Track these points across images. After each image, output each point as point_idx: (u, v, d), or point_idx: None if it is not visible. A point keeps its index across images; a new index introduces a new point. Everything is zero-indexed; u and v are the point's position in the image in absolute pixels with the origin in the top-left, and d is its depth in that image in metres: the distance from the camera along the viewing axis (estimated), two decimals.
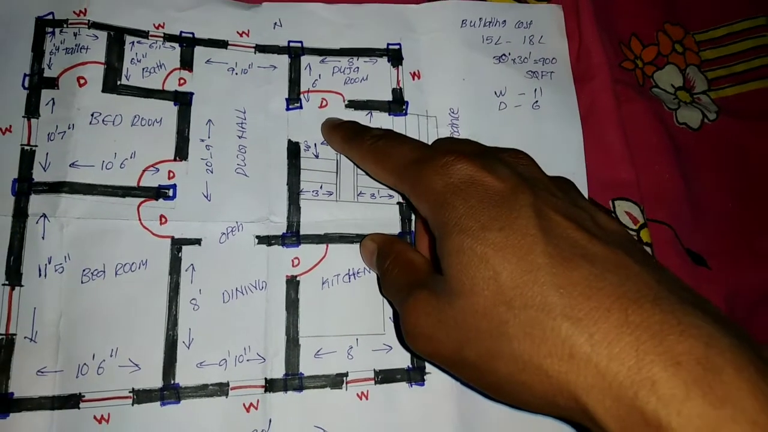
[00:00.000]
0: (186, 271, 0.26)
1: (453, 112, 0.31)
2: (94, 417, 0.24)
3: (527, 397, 0.18)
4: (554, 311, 0.17)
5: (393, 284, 0.24)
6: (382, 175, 0.25)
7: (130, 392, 0.24)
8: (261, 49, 0.30)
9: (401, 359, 0.27)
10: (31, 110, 0.26)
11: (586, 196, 0.31)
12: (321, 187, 0.29)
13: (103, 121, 0.27)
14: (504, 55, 0.33)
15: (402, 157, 0.24)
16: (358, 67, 0.31)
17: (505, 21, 0.33)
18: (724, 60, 0.39)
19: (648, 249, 0.31)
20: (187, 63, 0.29)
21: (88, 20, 0.28)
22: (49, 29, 0.27)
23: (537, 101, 0.32)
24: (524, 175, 0.21)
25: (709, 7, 0.40)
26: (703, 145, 0.36)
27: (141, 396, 0.24)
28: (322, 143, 0.29)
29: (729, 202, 0.35)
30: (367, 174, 0.28)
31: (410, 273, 0.23)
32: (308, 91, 0.30)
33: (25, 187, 0.25)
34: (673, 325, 0.16)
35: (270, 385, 0.25)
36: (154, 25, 0.29)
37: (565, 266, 0.18)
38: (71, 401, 0.24)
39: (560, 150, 0.31)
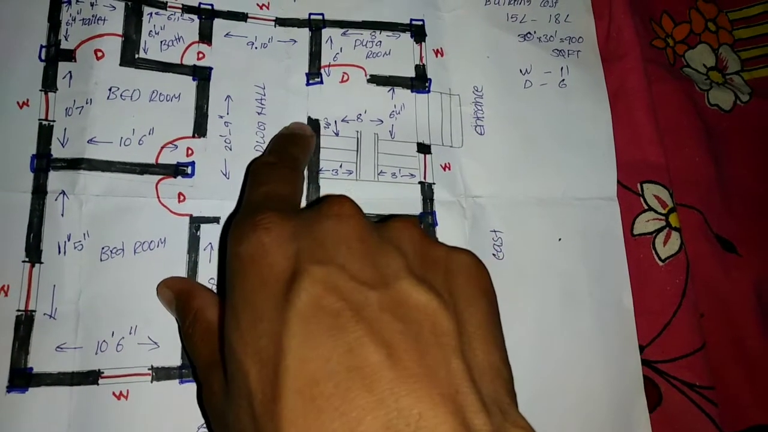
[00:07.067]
0: (204, 250, 0.26)
1: (477, 90, 0.31)
2: (113, 393, 0.23)
3: None
4: None
5: (194, 352, 0.22)
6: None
7: (149, 369, 0.24)
8: (281, 22, 0.29)
9: None
10: (49, 84, 0.26)
11: (615, 179, 0.30)
12: (341, 165, 0.28)
13: (121, 96, 0.26)
14: (529, 33, 0.32)
15: (250, 195, 0.22)
16: (380, 41, 0.30)
17: (530, 0, 0.32)
18: (758, 40, 0.37)
19: (677, 234, 0.30)
20: (206, 36, 0.28)
21: None
22: None
23: (563, 80, 0.31)
24: (317, 247, 0.17)
25: None
26: (735, 127, 0.35)
27: (160, 373, 0.24)
28: (342, 120, 0.29)
29: (761, 187, 0.34)
30: None
31: (209, 343, 0.21)
32: (329, 66, 0.29)
33: (43, 163, 0.25)
34: None
35: None
36: None
37: (304, 397, 0.15)
38: (90, 377, 0.23)
39: (588, 130, 0.31)
